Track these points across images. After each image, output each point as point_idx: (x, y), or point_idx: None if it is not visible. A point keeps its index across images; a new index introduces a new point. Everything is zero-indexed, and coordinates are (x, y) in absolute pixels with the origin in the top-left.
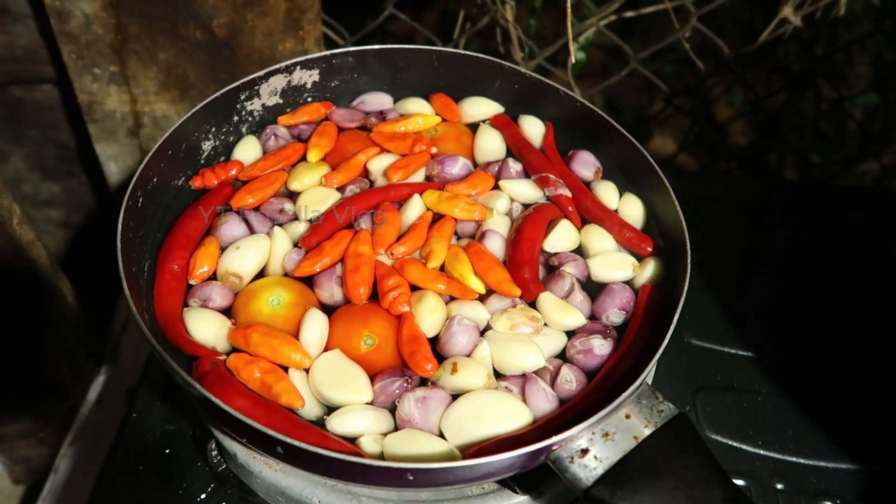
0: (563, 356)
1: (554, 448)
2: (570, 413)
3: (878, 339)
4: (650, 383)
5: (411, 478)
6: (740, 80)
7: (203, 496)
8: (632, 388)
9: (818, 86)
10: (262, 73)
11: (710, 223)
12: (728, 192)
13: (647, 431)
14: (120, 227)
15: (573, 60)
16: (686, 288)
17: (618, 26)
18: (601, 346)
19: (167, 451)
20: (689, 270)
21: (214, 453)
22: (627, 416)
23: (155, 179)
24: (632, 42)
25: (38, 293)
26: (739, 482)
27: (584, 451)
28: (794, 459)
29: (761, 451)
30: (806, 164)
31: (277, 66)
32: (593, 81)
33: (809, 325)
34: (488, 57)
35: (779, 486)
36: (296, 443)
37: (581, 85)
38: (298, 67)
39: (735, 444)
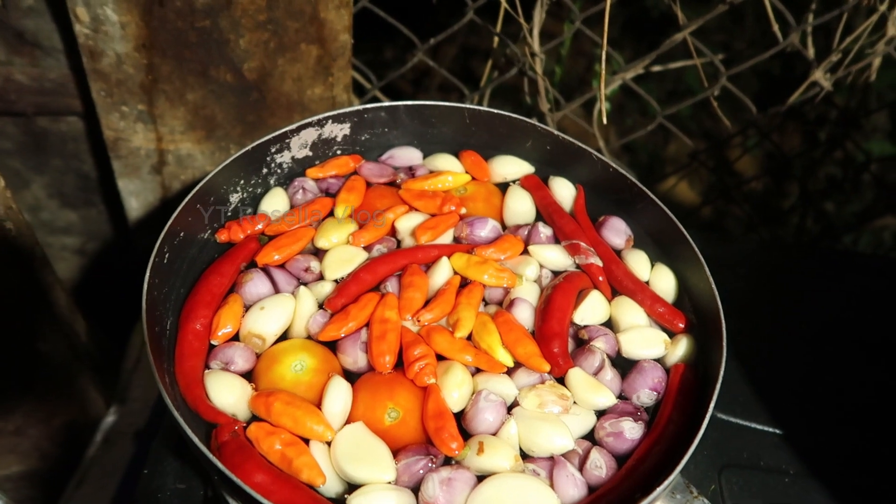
0: (591, 437)
1: None
2: (598, 502)
3: None
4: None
5: None
6: (766, 137)
7: None
8: (667, 482)
9: (836, 136)
10: (293, 126)
11: (733, 287)
12: (754, 256)
13: None
14: (146, 285)
15: (605, 121)
16: (722, 371)
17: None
18: (632, 430)
19: (173, 491)
20: (724, 352)
21: None
22: None
23: (182, 234)
24: (647, 83)
25: (53, 334)
26: None
27: None
28: None
29: None
30: (821, 214)
31: (309, 119)
32: (610, 121)
33: (841, 401)
34: (520, 117)
35: None
36: None
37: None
38: (330, 121)
39: None
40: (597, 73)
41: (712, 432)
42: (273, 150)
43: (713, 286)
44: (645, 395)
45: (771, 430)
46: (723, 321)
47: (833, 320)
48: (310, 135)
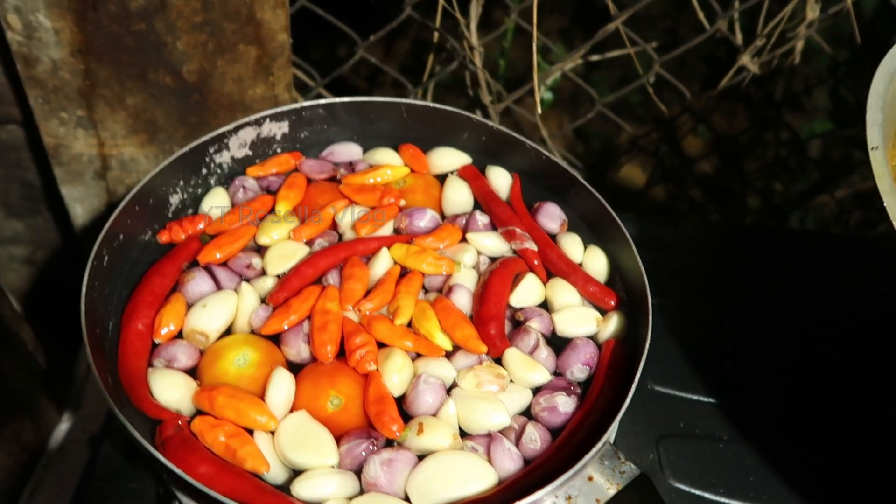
0: (528, 413)
1: None
2: (534, 474)
3: (837, 386)
4: (614, 436)
5: None
6: (702, 121)
7: None
8: (594, 450)
9: (778, 120)
10: (231, 126)
11: (672, 267)
12: (693, 236)
13: (611, 493)
14: (84, 288)
15: (539, 111)
16: (647, 345)
17: (585, 59)
18: (565, 404)
19: (128, 499)
20: (650, 327)
21: None
22: (590, 479)
23: (121, 236)
24: (597, 73)
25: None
26: None
27: None
28: None
29: (724, 500)
30: (769, 194)
31: (247, 119)
32: (562, 110)
33: (770, 370)
34: (456, 110)
35: None
36: None
37: (549, 116)
38: (268, 120)
39: (698, 492)
40: (539, 64)
41: (650, 405)
42: (212, 150)
43: (640, 265)
44: (578, 370)
45: (706, 399)
46: (649, 298)
47: (767, 296)
48: (248, 134)
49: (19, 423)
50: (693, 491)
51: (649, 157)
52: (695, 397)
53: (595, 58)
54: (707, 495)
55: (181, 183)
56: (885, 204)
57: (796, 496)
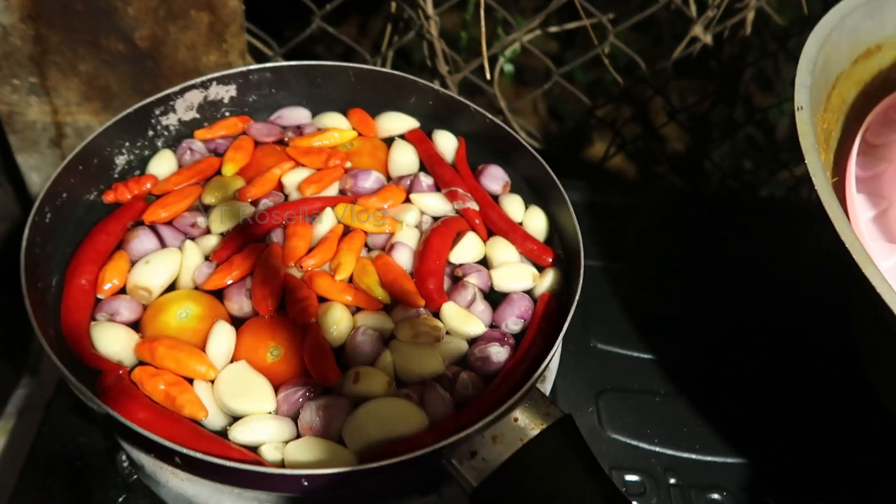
0: (463, 363)
1: (445, 451)
2: (464, 417)
3: (766, 343)
4: (552, 387)
5: (306, 483)
6: (660, 93)
7: None
8: (520, 392)
9: (748, 95)
10: (176, 88)
11: (617, 231)
12: (648, 205)
13: (533, 433)
14: (24, 243)
15: (489, 77)
16: (577, 296)
17: (561, 36)
18: (498, 354)
19: (79, 463)
20: (581, 279)
21: (125, 464)
22: (515, 420)
23: (64, 195)
24: (573, 51)
25: None
26: (635, 478)
27: (473, 454)
28: (687, 455)
29: (657, 449)
30: (738, 169)
31: (193, 81)
32: (535, 87)
33: (707, 329)
34: (403, 74)
35: (672, 481)
36: (191, 452)
37: (523, 92)
38: (215, 83)
39: (633, 442)
40: (498, 36)
41: (593, 362)
42: (157, 112)
43: (576, 223)
44: (512, 322)
45: (646, 356)
46: (581, 251)
47: (707, 260)
48: (195, 97)
49: None
50: (630, 441)
51: (616, 135)
52: (635, 354)
53: (553, 29)
54: (643, 445)
55: (127, 144)
56: (806, 161)
57: (726, 445)
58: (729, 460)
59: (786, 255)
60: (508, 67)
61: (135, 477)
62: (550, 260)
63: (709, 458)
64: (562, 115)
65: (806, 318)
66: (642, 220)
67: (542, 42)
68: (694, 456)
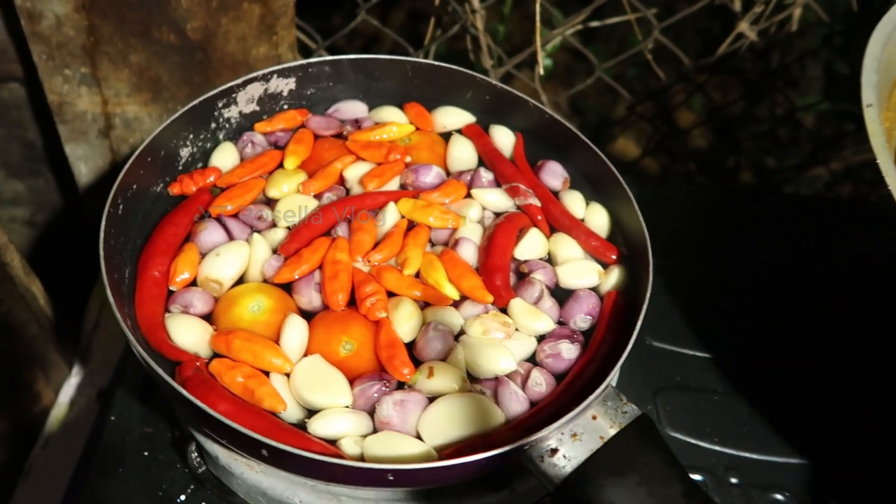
0: (533, 360)
1: (525, 448)
2: (540, 415)
3: (825, 340)
4: (615, 385)
5: (391, 478)
6: (699, 90)
7: (183, 497)
8: (598, 391)
9: (773, 93)
10: (239, 81)
11: (670, 229)
12: (688, 199)
13: (613, 431)
14: (102, 234)
15: (541, 72)
16: (648, 295)
17: (582, 30)
18: (569, 351)
19: (146, 453)
20: (651, 278)
21: (195, 455)
22: (594, 417)
23: (134, 186)
24: (594, 45)
25: (10, 296)
26: (697, 477)
27: (554, 451)
28: (748, 455)
29: (717, 448)
30: (762, 168)
31: (255, 74)
32: (559, 83)
33: (761, 327)
34: (461, 69)
35: (733, 480)
36: (281, 445)
37: (546, 88)
38: (275, 76)
39: (693, 441)
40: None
41: (648, 360)
42: (220, 104)
43: (641, 220)
44: (580, 319)
45: (702, 354)
46: (649, 250)
47: (759, 256)
48: (256, 90)
49: (31, 374)
50: (688, 440)
51: (643, 131)
52: (691, 352)
53: (595, 24)
54: (702, 444)
55: (191, 136)
56: (878, 160)
57: (788, 445)
58: (791, 460)
59: (844, 252)
60: (548, 63)
61: (204, 468)
62: (615, 257)
63: (771, 458)
64: (584, 111)
65: (868, 315)
66: (683, 215)
67: (566, 37)
68: (755, 455)
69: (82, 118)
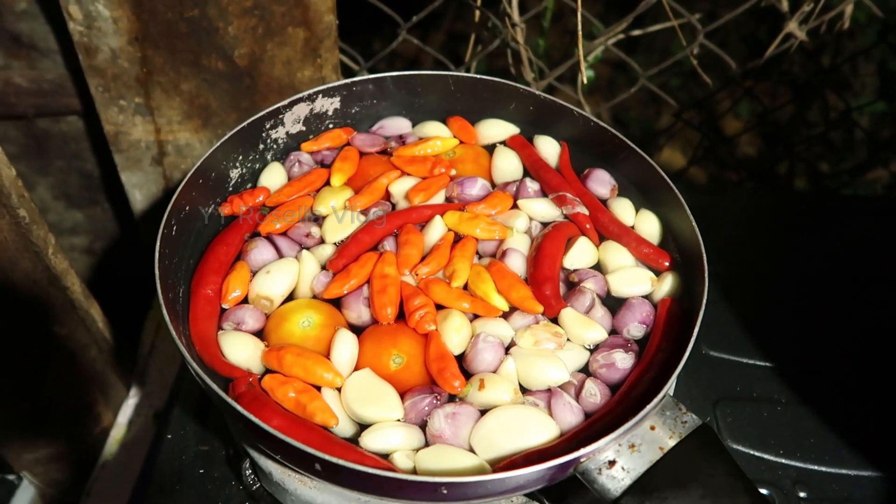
0: (586, 370)
1: (582, 460)
2: (596, 426)
3: (891, 346)
4: (672, 395)
5: (445, 492)
6: (748, 94)
7: None
8: (655, 400)
9: (824, 96)
10: (286, 102)
11: (723, 235)
12: (739, 204)
13: (672, 442)
14: (157, 254)
15: (584, 81)
16: (704, 301)
17: (622, 41)
18: (623, 360)
19: (202, 470)
20: (706, 284)
21: (249, 472)
22: (652, 428)
23: (187, 208)
24: (636, 55)
25: (71, 320)
26: (763, 491)
27: (612, 463)
28: (816, 468)
29: (783, 461)
30: (815, 173)
31: (300, 94)
32: (600, 96)
33: (825, 334)
34: (503, 80)
35: (801, 495)
36: (335, 460)
37: (589, 100)
38: (320, 96)
39: (757, 453)
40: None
41: (705, 370)
42: (268, 126)
43: (694, 225)
44: (634, 328)
45: (761, 363)
46: (704, 256)
47: (817, 260)
48: (302, 110)
49: (91, 395)
50: (751, 452)
51: (689, 141)
52: (750, 361)
53: (637, 32)
54: (766, 456)
55: (240, 158)
56: None
57: (858, 457)
58: (863, 473)
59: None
60: (590, 73)
61: (258, 485)
62: (667, 264)
63: (841, 471)
64: (626, 123)
65: None
66: (736, 221)
67: (607, 49)
68: (824, 468)
69: (137, 147)
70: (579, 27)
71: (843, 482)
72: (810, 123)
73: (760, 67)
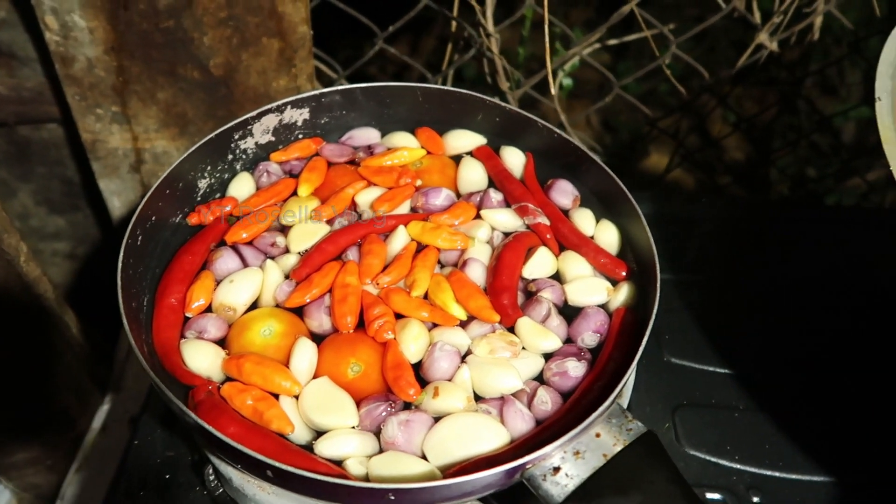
0: (540, 378)
1: (528, 466)
2: (544, 433)
3: (850, 355)
4: (627, 403)
5: (393, 497)
6: (723, 102)
7: None
8: (601, 409)
9: (811, 100)
10: (254, 113)
11: (692, 244)
12: (715, 214)
13: (616, 449)
14: (120, 264)
15: (554, 92)
16: (655, 311)
17: (613, 48)
18: (575, 368)
19: (167, 476)
20: (658, 294)
21: (212, 478)
22: (598, 435)
23: (153, 218)
24: (626, 62)
25: (44, 326)
26: (717, 496)
27: (557, 469)
28: (770, 473)
29: (738, 466)
30: (802, 177)
31: (269, 106)
32: (589, 101)
33: (783, 342)
34: (469, 92)
35: (755, 500)
36: (284, 466)
37: (577, 105)
38: (289, 107)
39: (713, 459)
40: (557, 51)
41: (667, 377)
42: (236, 136)
43: (650, 236)
44: (588, 337)
45: (722, 370)
46: (657, 266)
47: (781, 269)
48: (271, 121)
49: (67, 400)
50: (708, 458)
51: (679, 146)
52: (710, 369)
53: (612, 42)
54: (722, 462)
55: (208, 168)
56: (891, 167)
57: (812, 462)
58: (816, 478)
59: (864, 265)
60: (567, 81)
61: (221, 490)
62: (624, 273)
63: (794, 476)
64: (616, 128)
65: (891, 328)
66: (710, 230)
67: (594, 55)
68: (778, 474)
69: (114, 154)
70: (546, 40)
71: (796, 487)
72: (797, 128)
73: (748, 72)
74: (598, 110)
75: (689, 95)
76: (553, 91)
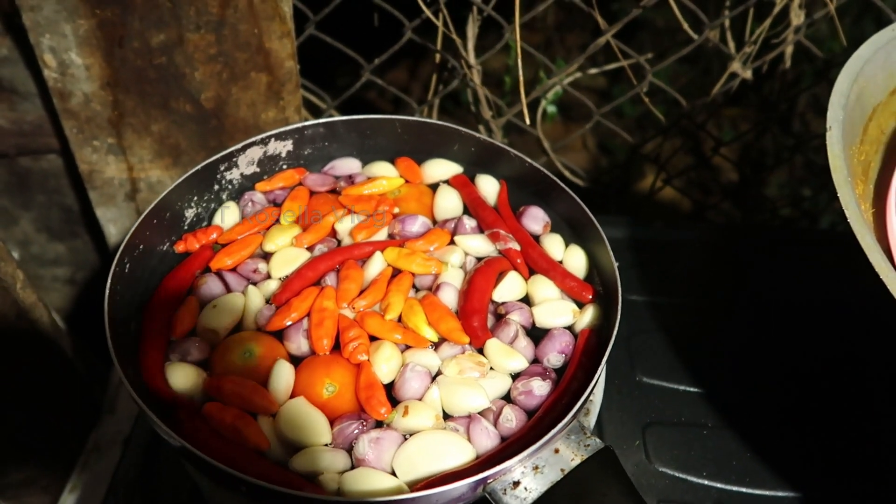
0: (508, 398)
1: (489, 481)
2: (508, 449)
3: (815, 375)
4: (595, 420)
5: None
6: (701, 127)
7: None
8: (560, 425)
9: (806, 120)
10: (239, 146)
11: (672, 268)
12: (693, 238)
13: (574, 464)
14: (107, 292)
15: (528, 122)
16: (615, 332)
17: (609, 72)
18: (540, 388)
19: (154, 494)
20: (619, 316)
21: (196, 494)
22: (557, 451)
23: (141, 246)
24: (620, 84)
25: (40, 351)
26: None
27: (517, 484)
28: (737, 489)
29: (706, 482)
30: (796, 197)
31: (253, 139)
32: (583, 122)
33: (753, 362)
34: (446, 124)
35: None
36: (257, 482)
37: (570, 128)
38: (273, 139)
39: (681, 475)
40: (541, 79)
41: (638, 396)
42: (222, 168)
43: (613, 260)
44: (554, 357)
45: (692, 389)
46: (619, 289)
47: (752, 292)
48: (255, 153)
49: (61, 422)
50: (676, 474)
51: (674, 167)
52: (680, 387)
53: (593, 71)
54: (691, 478)
55: (195, 198)
56: (839, 194)
57: (777, 478)
58: (780, 494)
59: (833, 288)
60: (552, 109)
61: None
62: (590, 296)
63: (760, 492)
64: (611, 150)
65: (857, 350)
66: (687, 254)
67: (590, 78)
68: (744, 489)
69: (110, 184)
70: (520, 73)
71: (762, 502)
72: (791, 149)
73: (741, 94)
74: (594, 133)
75: (675, 118)
76: (527, 121)
